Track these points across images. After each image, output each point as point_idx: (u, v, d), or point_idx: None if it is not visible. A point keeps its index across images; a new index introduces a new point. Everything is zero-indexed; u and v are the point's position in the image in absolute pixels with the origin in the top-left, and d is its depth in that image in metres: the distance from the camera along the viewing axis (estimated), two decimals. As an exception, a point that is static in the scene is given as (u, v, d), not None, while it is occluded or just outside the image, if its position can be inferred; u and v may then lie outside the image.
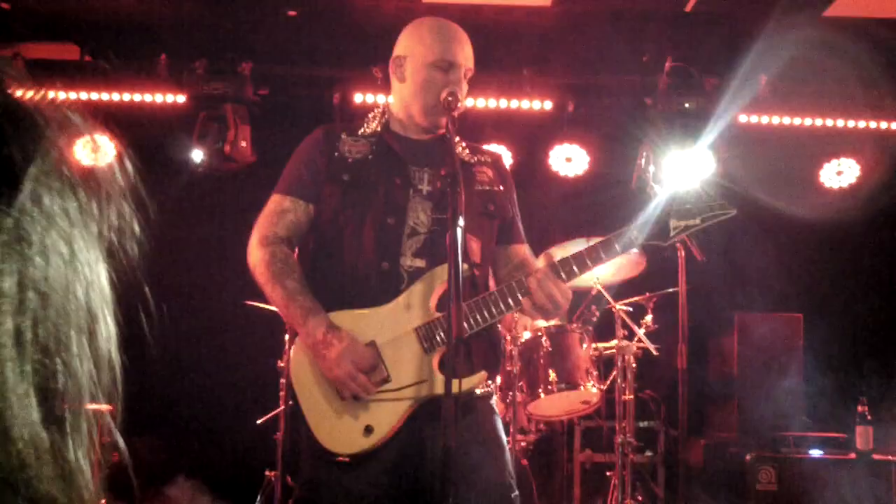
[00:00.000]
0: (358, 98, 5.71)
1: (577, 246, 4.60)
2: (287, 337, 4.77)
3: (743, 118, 5.82)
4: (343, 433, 2.51)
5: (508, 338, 4.66)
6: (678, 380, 4.43)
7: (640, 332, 4.94)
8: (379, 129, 2.74)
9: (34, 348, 0.61)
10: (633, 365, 4.96)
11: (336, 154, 2.68)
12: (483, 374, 2.58)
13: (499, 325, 2.74)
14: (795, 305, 5.76)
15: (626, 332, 4.99)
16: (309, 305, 2.56)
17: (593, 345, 4.84)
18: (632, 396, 4.94)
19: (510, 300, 2.55)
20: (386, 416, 2.51)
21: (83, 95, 5.63)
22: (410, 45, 2.71)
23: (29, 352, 0.61)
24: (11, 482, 0.59)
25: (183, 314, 5.90)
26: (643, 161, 5.77)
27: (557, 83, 5.89)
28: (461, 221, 2.35)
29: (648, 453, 5.59)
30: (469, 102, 5.44)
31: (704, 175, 5.47)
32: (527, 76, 5.83)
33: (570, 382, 4.60)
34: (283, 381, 4.87)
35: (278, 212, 2.66)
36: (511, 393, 4.66)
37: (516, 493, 2.64)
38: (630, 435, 4.90)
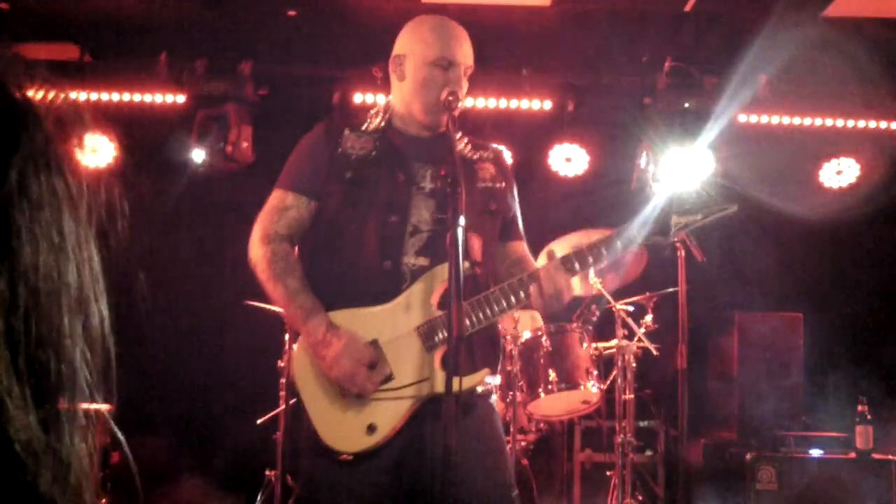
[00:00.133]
0: (358, 98, 5.71)
1: (577, 238, 4.62)
2: (287, 337, 4.77)
3: (742, 118, 5.82)
4: (346, 431, 2.51)
5: (508, 337, 4.66)
6: (678, 379, 4.43)
7: (641, 331, 4.95)
8: (382, 125, 2.73)
9: (27, 342, 0.60)
10: (634, 364, 4.96)
11: (339, 150, 2.67)
12: (485, 371, 2.58)
13: (499, 324, 2.74)
14: (795, 305, 5.76)
15: (627, 332, 4.99)
16: (309, 305, 2.55)
17: (593, 344, 4.84)
18: (632, 396, 4.94)
19: (512, 297, 2.56)
20: (388, 414, 2.51)
21: (83, 95, 5.63)
22: (410, 44, 2.71)
23: (22, 348, 0.60)
24: (10, 484, 0.59)
25: (183, 314, 5.90)
26: (643, 161, 5.77)
27: (557, 83, 5.89)
28: (461, 221, 2.35)
29: (648, 453, 5.59)
30: (469, 102, 5.44)
31: (704, 175, 5.47)
32: (526, 76, 5.83)
33: (570, 382, 4.60)
34: (283, 380, 4.87)
35: (280, 208, 2.66)
36: (511, 392, 4.66)
37: (516, 492, 2.64)
38: (630, 434, 4.90)
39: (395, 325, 2.54)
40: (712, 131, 5.50)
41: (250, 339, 5.57)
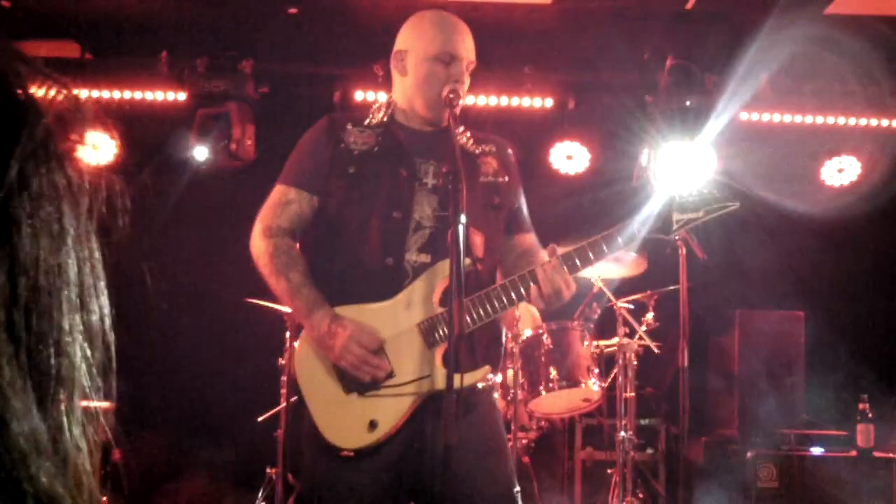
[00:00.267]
0: (359, 95, 5.71)
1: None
2: (288, 335, 4.77)
3: (744, 116, 5.82)
4: (347, 428, 2.51)
5: (510, 335, 4.66)
6: (679, 377, 4.43)
7: (642, 329, 4.94)
8: (385, 119, 2.72)
9: (27, 337, 0.60)
10: (635, 362, 4.96)
11: (341, 145, 2.66)
12: (486, 368, 2.58)
13: (500, 321, 2.74)
14: (797, 303, 5.76)
15: (628, 330, 4.99)
16: (313, 298, 2.55)
17: (594, 342, 4.84)
18: (633, 394, 4.94)
19: (513, 294, 2.55)
20: (390, 411, 2.51)
21: (84, 93, 5.62)
22: (411, 39, 2.70)
23: (23, 341, 0.60)
24: (13, 478, 0.59)
25: (184, 312, 5.90)
26: (644, 158, 5.77)
27: (558, 81, 5.89)
28: (462, 218, 2.35)
29: (649, 451, 5.59)
30: (470, 100, 5.43)
31: (705, 172, 5.47)
32: (527, 74, 5.83)
33: (571, 380, 4.59)
34: (283, 378, 4.88)
35: (282, 203, 2.65)
36: (512, 390, 4.66)
37: (518, 488, 2.64)
38: (631, 432, 4.90)
39: (396, 321, 2.54)
40: (713, 129, 5.50)
41: (251, 337, 5.57)
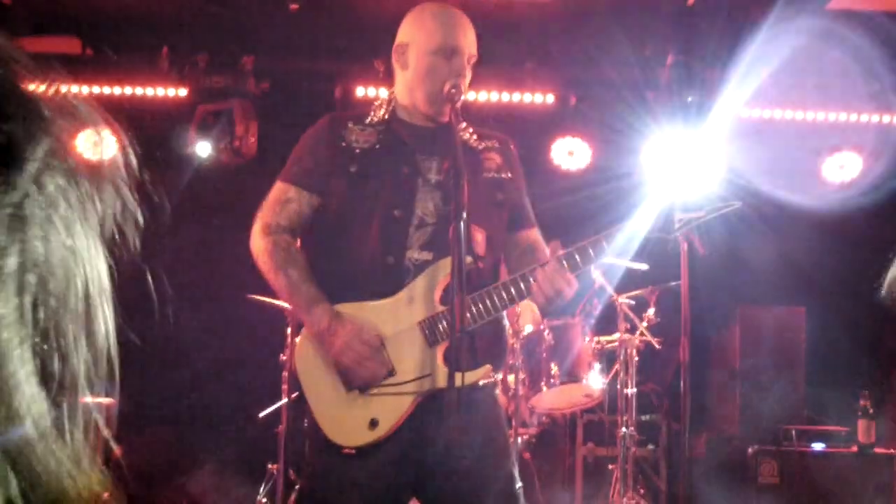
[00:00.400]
0: (360, 91, 5.71)
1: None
2: (289, 331, 4.77)
3: (745, 112, 5.81)
4: (348, 426, 2.51)
5: (511, 331, 4.66)
6: (680, 373, 4.43)
7: (643, 325, 4.95)
8: (387, 116, 2.72)
9: (34, 331, 0.61)
10: (636, 358, 4.96)
11: (343, 144, 2.65)
12: (487, 367, 2.57)
13: (504, 318, 2.73)
14: (798, 299, 5.75)
15: (629, 326, 4.99)
16: (313, 294, 2.55)
17: (595, 338, 4.84)
18: (634, 390, 4.94)
19: (514, 292, 2.55)
20: (391, 409, 2.51)
21: (84, 89, 5.63)
22: (412, 32, 2.69)
23: (30, 333, 0.61)
24: (18, 460, 0.59)
25: (185, 308, 5.90)
26: (645, 155, 5.76)
27: (559, 77, 5.88)
28: (464, 214, 2.34)
29: (650, 447, 5.60)
30: (471, 96, 5.43)
31: (707, 169, 5.46)
32: (529, 69, 5.82)
33: (572, 376, 4.60)
34: (285, 374, 4.88)
35: (282, 201, 2.65)
36: (513, 386, 4.67)
37: (520, 484, 2.64)
38: (632, 428, 4.90)
39: (397, 319, 2.54)
40: (715, 125, 5.49)
41: (253, 333, 5.58)
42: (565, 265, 2.54)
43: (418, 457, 2.52)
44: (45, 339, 0.62)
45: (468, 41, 2.67)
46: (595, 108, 6.04)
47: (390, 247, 2.56)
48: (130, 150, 0.72)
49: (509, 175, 2.76)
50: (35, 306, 0.61)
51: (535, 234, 2.82)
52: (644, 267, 4.64)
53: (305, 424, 2.63)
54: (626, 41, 5.65)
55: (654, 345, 4.97)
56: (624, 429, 4.88)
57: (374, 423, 2.50)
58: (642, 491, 5.00)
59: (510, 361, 4.67)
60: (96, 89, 5.65)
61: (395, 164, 2.63)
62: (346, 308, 2.56)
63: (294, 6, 5.45)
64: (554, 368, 4.58)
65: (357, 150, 2.64)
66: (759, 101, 5.79)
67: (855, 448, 4.93)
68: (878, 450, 4.92)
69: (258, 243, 2.63)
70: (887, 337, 6.12)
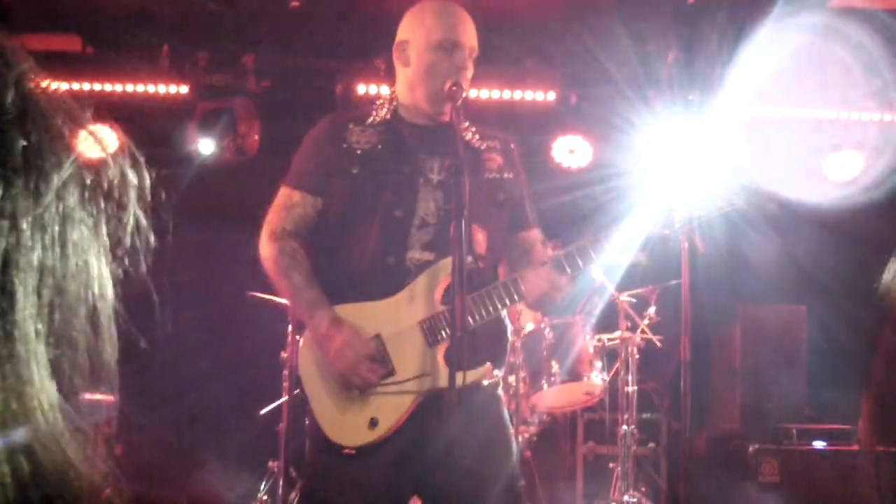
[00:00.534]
0: (361, 89, 5.70)
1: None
2: (290, 328, 4.77)
3: (746, 110, 5.80)
4: (348, 426, 2.51)
5: (512, 329, 4.66)
6: (681, 371, 4.43)
7: (644, 323, 4.94)
8: (388, 116, 2.71)
9: (48, 330, 0.64)
10: (636, 356, 4.96)
11: (344, 145, 2.65)
12: (488, 366, 2.57)
13: (505, 318, 2.73)
14: (799, 297, 5.75)
15: (630, 324, 4.99)
16: (314, 299, 2.56)
17: (596, 336, 4.84)
18: (635, 388, 4.94)
19: (506, 297, 2.55)
20: (391, 409, 2.51)
21: (85, 87, 5.63)
22: (412, 29, 2.69)
23: (45, 332, 0.64)
24: (28, 454, 0.61)
25: (187, 305, 5.90)
26: (646, 153, 5.75)
27: (561, 74, 5.87)
28: (465, 213, 2.34)
29: (651, 445, 5.60)
30: (472, 93, 5.42)
31: (708, 167, 5.45)
32: (529, 67, 5.81)
33: (573, 374, 4.60)
34: (285, 372, 4.88)
35: (287, 206, 2.66)
36: (514, 384, 4.67)
37: (522, 482, 2.64)
38: (633, 426, 4.90)
39: (398, 319, 2.54)
40: (716, 123, 5.48)
41: (254, 331, 5.57)
42: (558, 268, 2.53)
43: (419, 456, 2.52)
44: (57, 340, 0.64)
45: (469, 36, 2.66)
46: (596, 106, 6.03)
47: (391, 247, 2.56)
48: (143, 168, 0.74)
49: (510, 175, 2.76)
50: (51, 307, 0.63)
51: (535, 234, 2.82)
52: (643, 260, 4.63)
53: (307, 423, 2.63)
54: (628, 39, 5.65)
55: (655, 343, 4.97)
56: (625, 427, 4.88)
57: (373, 423, 2.50)
58: (643, 489, 5.00)
59: (511, 360, 4.67)
60: (97, 87, 5.65)
61: (396, 165, 2.63)
62: (346, 308, 2.56)
63: (295, 3, 5.45)
64: (555, 367, 4.58)
65: (358, 152, 2.64)
66: (760, 99, 5.78)
67: (856, 446, 4.93)
68: (879, 448, 4.91)
69: (265, 249, 2.65)
70: (888, 336, 6.10)
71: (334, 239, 2.64)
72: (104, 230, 0.69)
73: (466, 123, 2.75)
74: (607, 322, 5.07)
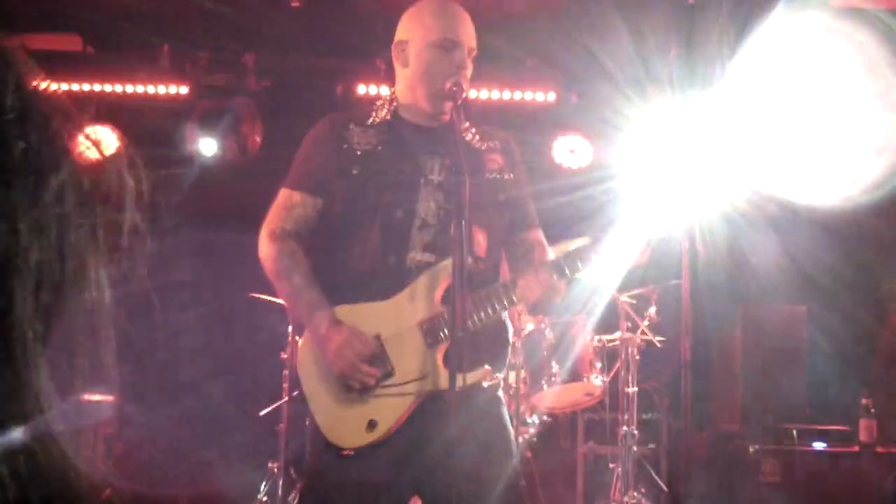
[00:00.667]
0: (361, 89, 5.70)
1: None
2: (291, 329, 4.77)
3: (747, 110, 5.79)
4: (347, 427, 2.51)
5: (512, 329, 4.66)
6: (682, 371, 4.42)
7: (644, 324, 4.94)
8: (389, 117, 2.71)
9: (47, 330, 0.64)
10: (637, 357, 4.96)
11: (345, 146, 2.65)
12: (487, 369, 2.56)
13: (506, 319, 2.72)
14: (800, 297, 5.75)
15: (630, 324, 4.99)
16: (314, 301, 2.56)
17: (597, 336, 4.84)
18: (635, 388, 4.94)
19: (513, 296, 2.54)
20: (390, 410, 2.50)
21: (85, 86, 5.62)
22: (411, 28, 2.69)
23: (43, 332, 0.64)
24: (27, 454, 0.61)
25: (187, 306, 5.90)
26: (648, 152, 5.75)
27: (560, 74, 5.87)
28: (465, 214, 2.33)
29: (651, 445, 5.59)
30: (472, 94, 5.42)
31: (709, 166, 5.45)
32: (529, 67, 5.81)
33: (573, 374, 4.60)
34: (286, 372, 4.88)
35: (287, 206, 2.66)
36: (514, 384, 4.66)
37: (523, 483, 2.64)
38: (633, 427, 4.90)
39: (398, 320, 2.54)
40: (717, 122, 5.48)
41: (254, 331, 5.58)
42: (556, 271, 2.52)
43: (419, 457, 2.52)
44: (54, 340, 0.64)
45: (467, 34, 2.66)
46: (596, 105, 6.02)
47: (392, 248, 2.56)
48: (140, 170, 0.74)
49: (511, 176, 2.75)
50: (48, 308, 0.63)
51: (536, 235, 2.81)
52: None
53: (307, 424, 2.63)
54: (628, 38, 5.64)
55: (656, 343, 4.97)
56: (625, 427, 4.88)
57: (372, 425, 2.49)
58: (643, 490, 5.00)
59: (511, 360, 4.66)
60: (97, 87, 5.64)
61: (396, 165, 2.62)
62: (346, 309, 2.55)
63: (295, 3, 5.44)
64: (555, 367, 4.58)
65: (359, 152, 2.64)
66: (760, 98, 5.78)
67: (856, 447, 4.93)
68: (879, 449, 4.91)
69: (264, 250, 2.64)
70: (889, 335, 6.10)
71: (334, 239, 2.64)
72: (102, 238, 0.69)
73: (467, 124, 2.74)
74: (608, 322, 5.07)
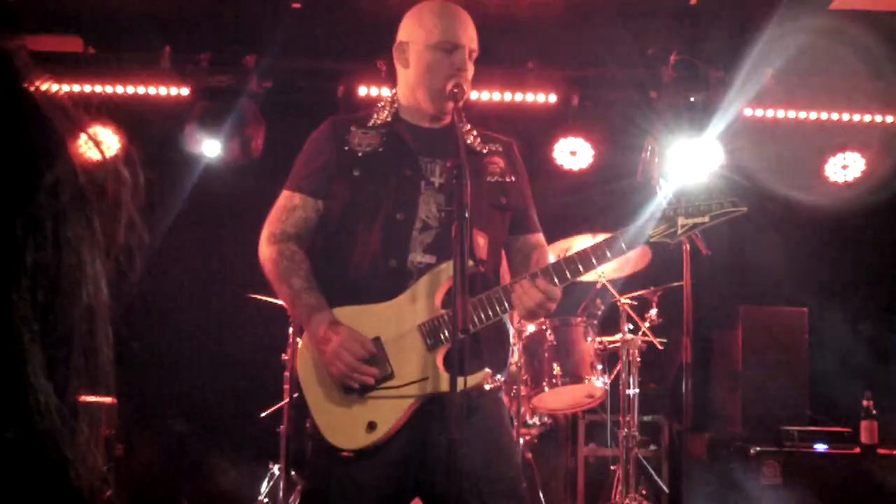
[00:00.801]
0: (362, 91, 5.70)
1: (582, 242, 4.60)
2: (291, 330, 4.77)
3: (748, 111, 5.80)
4: (346, 429, 2.51)
5: (513, 331, 4.65)
6: (683, 373, 4.42)
7: (645, 325, 4.94)
8: (390, 119, 2.71)
9: (43, 329, 0.64)
10: (638, 359, 4.96)
11: (346, 148, 2.65)
12: (487, 371, 2.56)
13: (507, 321, 2.72)
14: (800, 299, 5.74)
15: (631, 326, 4.98)
16: (313, 303, 2.56)
17: (598, 338, 4.83)
18: (636, 390, 4.93)
19: (505, 304, 2.54)
20: (389, 412, 2.50)
21: (87, 88, 5.63)
22: (412, 29, 2.69)
23: (39, 331, 0.63)
24: (26, 453, 0.61)
25: (188, 307, 5.90)
26: (648, 154, 5.74)
27: (562, 76, 5.86)
28: (466, 213, 2.33)
29: (653, 447, 5.58)
30: (473, 95, 5.42)
31: (710, 168, 5.45)
32: (531, 69, 5.80)
33: (574, 376, 4.59)
34: (287, 373, 4.88)
35: (288, 208, 2.66)
36: (515, 386, 4.66)
37: (524, 485, 2.64)
38: (634, 429, 4.90)
39: (398, 322, 2.53)
40: (718, 125, 5.48)
41: (255, 332, 5.58)
42: (545, 280, 2.51)
43: (420, 459, 2.52)
44: (52, 339, 0.64)
45: (468, 36, 2.66)
46: (598, 107, 6.02)
47: (392, 250, 2.55)
48: (137, 165, 0.74)
49: (513, 179, 2.75)
50: (45, 306, 0.63)
51: (537, 239, 2.81)
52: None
53: (307, 425, 2.63)
54: (629, 40, 5.64)
55: (657, 345, 4.96)
56: (626, 429, 4.87)
57: (372, 426, 2.49)
58: (644, 492, 4.99)
59: (512, 361, 4.66)
60: (98, 88, 5.65)
61: (397, 167, 2.62)
62: (347, 311, 2.55)
63: (296, 5, 5.45)
64: (556, 368, 4.58)
65: (360, 154, 2.64)
66: (762, 101, 5.78)
67: (858, 449, 4.92)
68: (880, 450, 4.90)
69: (264, 252, 2.64)
70: (890, 337, 6.10)
71: (335, 241, 2.64)
72: (99, 234, 0.69)
73: (468, 126, 2.74)
74: (609, 324, 5.07)
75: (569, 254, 2.58)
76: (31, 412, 0.61)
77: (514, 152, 2.82)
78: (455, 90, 2.57)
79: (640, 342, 4.94)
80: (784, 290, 6.00)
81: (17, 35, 0.69)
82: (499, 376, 2.67)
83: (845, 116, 5.93)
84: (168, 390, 5.79)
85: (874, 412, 4.92)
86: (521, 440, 4.79)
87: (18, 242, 0.62)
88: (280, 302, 4.59)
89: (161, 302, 5.30)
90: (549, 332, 4.65)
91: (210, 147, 5.56)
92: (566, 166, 6.00)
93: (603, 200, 5.65)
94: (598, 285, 4.98)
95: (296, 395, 4.34)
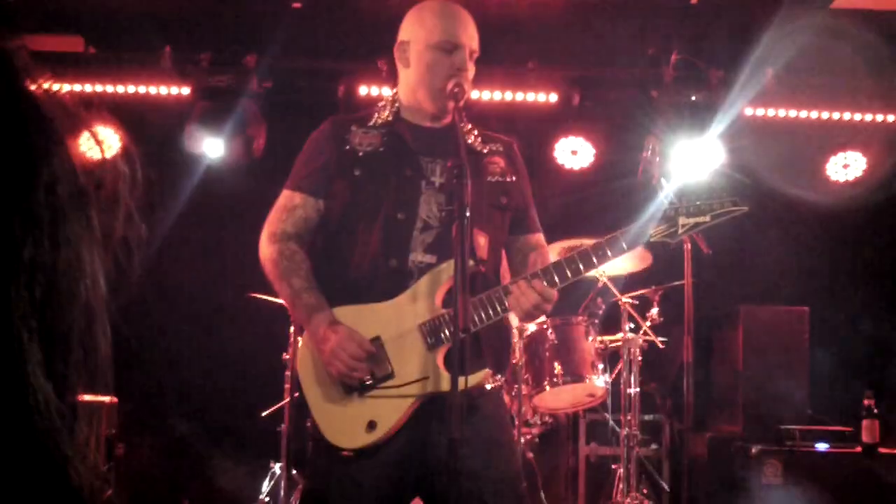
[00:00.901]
0: (363, 90, 5.70)
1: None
2: (292, 329, 4.77)
3: (749, 111, 5.79)
4: (346, 428, 2.51)
5: (514, 330, 4.65)
6: (683, 373, 4.42)
7: (646, 324, 4.94)
8: (390, 118, 2.71)
9: (41, 327, 0.63)
10: (639, 358, 4.96)
11: (346, 147, 2.65)
12: (487, 371, 2.56)
13: (508, 321, 2.72)
14: (801, 298, 5.74)
15: (632, 325, 4.99)
16: (313, 303, 2.56)
17: (599, 338, 4.83)
18: (637, 389, 4.93)
19: (497, 306, 2.54)
20: (389, 411, 2.50)
21: (87, 87, 5.63)
22: (413, 29, 2.69)
23: (37, 328, 0.63)
24: (25, 451, 0.61)
25: (189, 307, 5.90)
26: (649, 153, 5.75)
27: (563, 76, 5.86)
28: (467, 213, 2.33)
29: (653, 446, 5.59)
30: (474, 95, 5.42)
31: (710, 167, 5.45)
32: (532, 68, 5.80)
33: (575, 375, 4.59)
34: (288, 373, 4.88)
35: (288, 208, 2.66)
36: (516, 385, 4.66)
37: (525, 484, 2.64)
38: (635, 428, 4.90)
39: (398, 322, 2.53)
40: (719, 124, 5.47)
41: (256, 332, 5.58)
42: (542, 282, 2.51)
43: (420, 458, 2.52)
44: (50, 337, 0.64)
45: (469, 36, 2.65)
46: (598, 107, 6.02)
47: (393, 250, 2.55)
48: (136, 161, 0.74)
49: (513, 178, 2.75)
50: (43, 304, 0.63)
51: (537, 239, 2.81)
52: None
53: (308, 425, 2.63)
54: (630, 39, 5.64)
55: (658, 344, 4.96)
56: (627, 428, 4.87)
57: (371, 426, 2.49)
58: (645, 491, 5.00)
59: (513, 360, 4.66)
60: (98, 88, 5.65)
61: (398, 167, 2.62)
62: (347, 310, 2.55)
63: (297, 4, 5.45)
64: (557, 368, 4.58)
65: (360, 154, 2.64)
66: (763, 100, 5.78)
67: (859, 448, 4.92)
68: (882, 450, 4.90)
69: (265, 251, 2.64)
70: (891, 336, 6.10)
71: (336, 241, 2.64)
72: (97, 230, 0.69)
73: (469, 126, 2.74)
74: (610, 323, 5.07)
75: (570, 253, 2.58)
76: (30, 411, 0.61)
77: (515, 152, 2.82)
78: (455, 90, 2.57)
79: (641, 341, 4.94)
80: (784, 290, 6.00)
81: (17, 35, 0.69)
82: (499, 376, 2.67)
83: (846, 115, 5.93)
84: (168, 390, 5.79)
85: (875, 411, 4.92)
86: (522, 439, 4.79)
87: (17, 240, 0.61)
88: (281, 301, 4.60)
89: (162, 301, 5.31)
90: (550, 330, 4.65)
91: (211, 147, 5.56)
92: (567, 166, 6.00)
93: (604, 200, 5.65)
94: (599, 284, 4.98)
95: (296, 394, 4.34)
